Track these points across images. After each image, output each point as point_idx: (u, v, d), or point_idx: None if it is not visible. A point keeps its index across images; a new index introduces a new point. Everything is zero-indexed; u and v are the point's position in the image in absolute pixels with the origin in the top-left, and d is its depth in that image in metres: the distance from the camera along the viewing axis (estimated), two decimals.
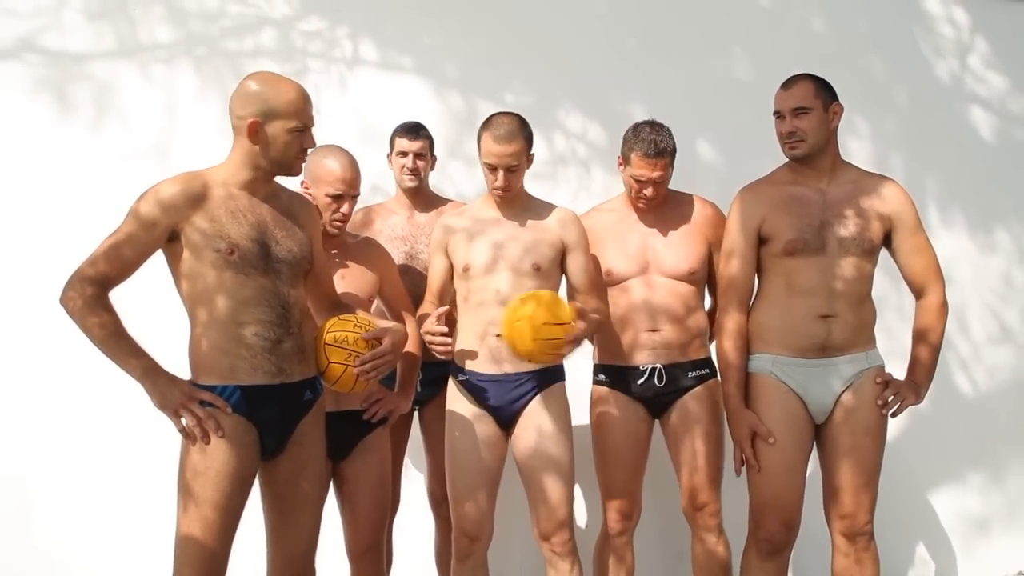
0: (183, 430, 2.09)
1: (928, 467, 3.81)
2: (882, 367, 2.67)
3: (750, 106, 3.74)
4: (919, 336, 2.69)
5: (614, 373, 2.87)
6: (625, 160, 2.85)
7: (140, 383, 2.09)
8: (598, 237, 2.86)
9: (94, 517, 3.29)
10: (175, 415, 2.08)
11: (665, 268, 2.84)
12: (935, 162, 3.94)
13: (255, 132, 2.17)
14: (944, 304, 2.68)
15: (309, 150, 2.27)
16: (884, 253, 2.74)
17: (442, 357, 2.63)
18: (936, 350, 2.69)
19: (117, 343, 2.08)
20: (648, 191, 2.81)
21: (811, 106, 2.60)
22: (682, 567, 3.08)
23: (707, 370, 2.87)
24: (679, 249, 2.85)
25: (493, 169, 2.63)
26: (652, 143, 2.77)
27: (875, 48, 3.94)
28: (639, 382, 2.83)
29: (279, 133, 2.18)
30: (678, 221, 2.89)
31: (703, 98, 3.76)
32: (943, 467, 3.85)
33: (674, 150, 2.83)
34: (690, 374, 2.84)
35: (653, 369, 2.82)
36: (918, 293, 2.70)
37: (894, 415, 2.64)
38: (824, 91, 2.64)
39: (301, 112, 2.19)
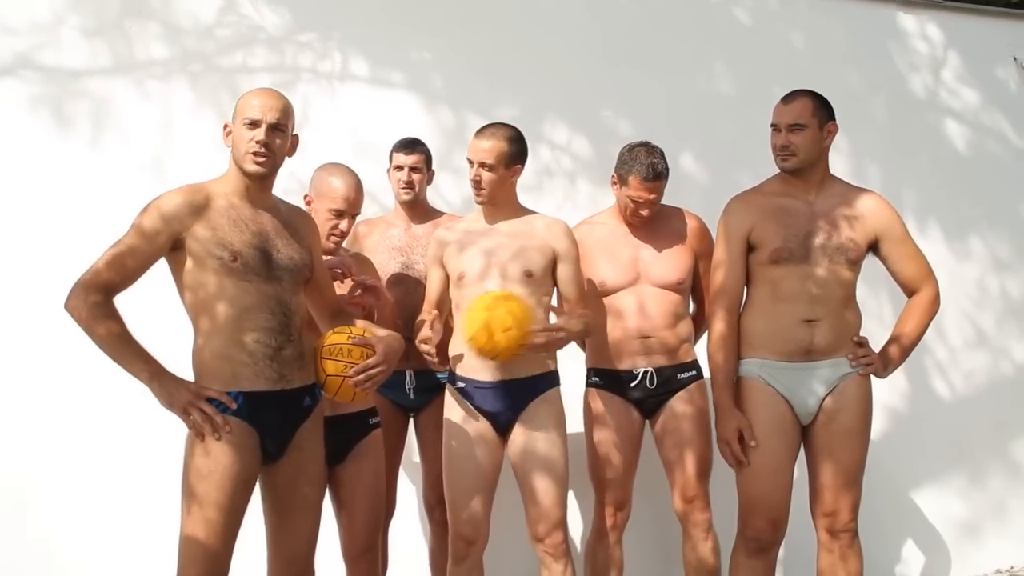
0: (192, 427, 2.15)
1: (908, 468, 3.91)
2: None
3: (732, 120, 3.87)
4: (902, 320, 2.79)
5: (608, 376, 3.00)
6: (621, 181, 2.96)
7: (148, 385, 2.15)
8: (590, 249, 2.97)
9: (94, 518, 3.29)
10: (184, 413, 2.14)
11: (655, 279, 2.98)
12: (911, 174, 4.05)
13: (227, 135, 2.29)
14: (935, 300, 2.77)
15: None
16: (866, 264, 2.82)
17: (434, 362, 2.70)
18: (915, 337, 2.77)
19: (124, 347, 2.14)
20: (644, 211, 2.95)
21: (807, 123, 2.70)
22: (671, 568, 3.15)
23: (694, 372, 3.01)
24: (668, 261, 2.99)
25: (471, 163, 2.74)
26: (651, 167, 2.90)
27: (852, 63, 4.06)
28: (632, 385, 2.95)
29: (236, 129, 2.27)
30: (667, 234, 3.03)
31: (686, 112, 3.86)
32: (923, 468, 3.94)
33: (668, 171, 2.96)
34: (679, 376, 2.98)
35: (645, 372, 2.94)
36: (911, 294, 2.80)
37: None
38: (822, 110, 2.74)
39: (253, 107, 2.25)
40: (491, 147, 2.71)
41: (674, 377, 2.97)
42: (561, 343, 2.70)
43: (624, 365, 2.97)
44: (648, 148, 2.94)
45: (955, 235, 4.08)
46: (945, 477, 3.96)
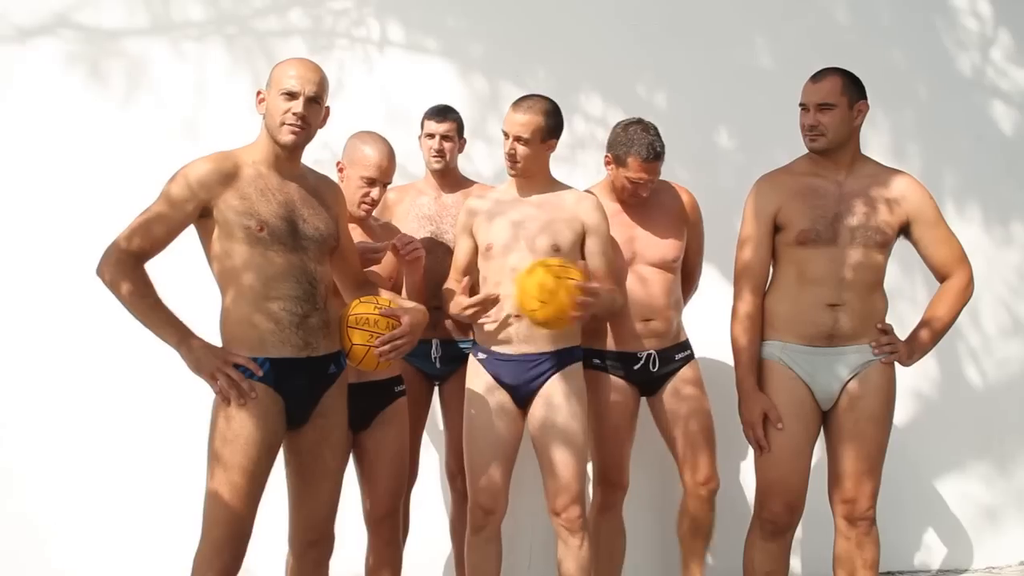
0: (219, 391, 2.18)
1: (933, 455, 3.86)
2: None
3: (770, 96, 3.77)
4: (932, 305, 2.74)
5: (609, 358, 2.99)
6: (618, 162, 2.91)
7: (176, 349, 2.19)
8: None
9: (99, 504, 3.40)
10: (211, 378, 2.18)
11: (651, 258, 2.96)
12: (952, 155, 3.95)
13: (260, 103, 2.30)
14: (968, 286, 2.71)
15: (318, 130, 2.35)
16: (900, 245, 2.77)
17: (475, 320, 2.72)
18: (945, 324, 2.71)
19: (153, 311, 2.18)
20: (644, 192, 2.92)
21: (836, 102, 2.63)
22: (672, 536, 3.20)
23: (688, 351, 3.05)
24: (663, 239, 2.97)
25: (506, 136, 2.72)
26: (650, 147, 2.85)
27: (897, 39, 3.95)
28: (635, 367, 2.97)
29: (271, 99, 2.27)
30: (660, 211, 3.00)
31: (724, 87, 3.79)
32: (948, 456, 3.89)
33: (664, 148, 2.91)
34: (676, 357, 3.01)
35: (648, 355, 2.95)
36: (943, 279, 2.73)
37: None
38: (852, 88, 2.66)
39: (291, 79, 2.25)
40: (528, 121, 2.68)
41: (672, 358, 3.00)
42: (592, 308, 2.61)
43: (627, 347, 2.96)
44: (643, 126, 2.89)
45: (995, 219, 3.98)
46: (971, 465, 3.91)
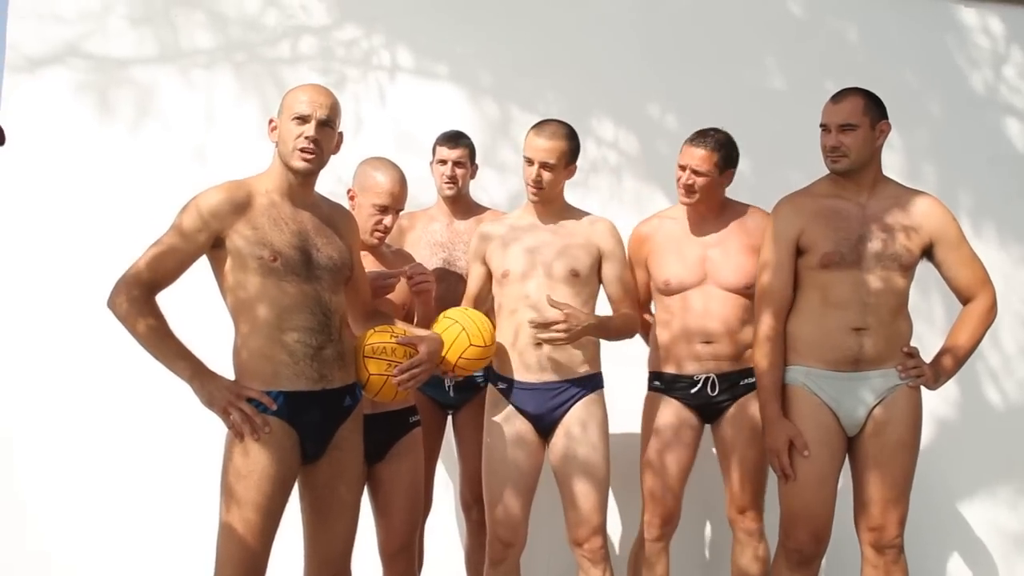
0: (232, 427, 2.14)
1: (955, 478, 3.80)
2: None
3: (782, 117, 3.77)
4: (956, 329, 2.69)
5: (669, 380, 2.90)
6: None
7: (188, 383, 2.14)
8: (658, 245, 2.90)
9: (119, 521, 3.36)
10: (223, 412, 2.13)
11: (722, 280, 2.86)
12: (967, 174, 3.92)
13: (272, 131, 2.27)
14: (991, 309, 2.67)
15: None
16: (919, 266, 2.73)
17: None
18: (969, 348, 2.67)
19: (165, 344, 2.14)
20: (691, 183, 2.81)
21: (858, 123, 2.60)
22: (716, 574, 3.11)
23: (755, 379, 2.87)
24: (737, 262, 2.86)
25: (530, 163, 2.67)
26: (699, 132, 2.85)
27: (909, 58, 3.93)
28: (693, 391, 2.86)
29: (283, 125, 2.25)
30: (737, 233, 2.90)
31: (735, 107, 3.75)
32: (971, 479, 3.83)
33: (724, 147, 2.84)
34: (742, 382, 2.85)
35: (707, 379, 2.84)
36: (966, 302, 2.69)
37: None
38: (874, 108, 2.63)
39: (302, 103, 2.22)
40: (553, 147, 2.65)
41: (737, 383, 2.84)
42: (567, 338, 2.55)
43: (686, 370, 2.86)
44: (715, 129, 2.87)
45: (1012, 238, 3.94)
46: (994, 488, 3.85)
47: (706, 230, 2.90)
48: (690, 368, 2.85)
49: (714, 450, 3.00)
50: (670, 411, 2.87)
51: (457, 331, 2.50)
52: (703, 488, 3.19)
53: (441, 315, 2.59)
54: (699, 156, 2.81)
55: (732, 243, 2.89)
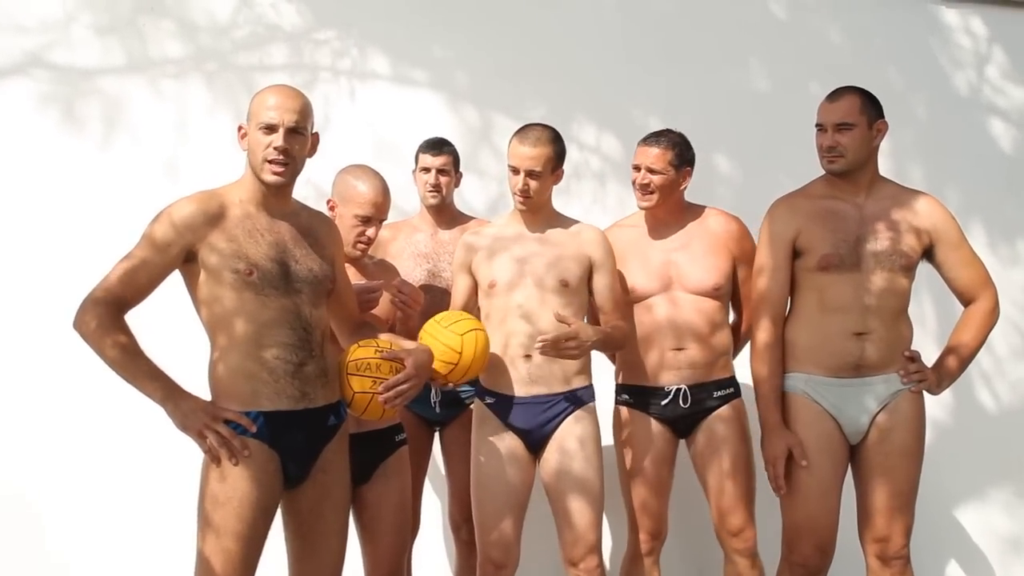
0: (208, 451, 2.02)
1: (949, 482, 3.74)
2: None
3: (767, 118, 3.74)
4: (958, 331, 2.64)
5: (638, 394, 2.80)
6: None
7: (161, 405, 2.03)
8: (619, 254, 2.79)
9: (107, 536, 3.24)
10: (199, 436, 2.01)
11: (689, 284, 2.77)
12: (953, 174, 3.89)
13: (242, 138, 2.15)
14: (994, 310, 2.62)
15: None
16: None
17: None
18: (973, 350, 2.63)
19: (135, 364, 2.02)
20: (646, 182, 2.74)
21: (855, 122, 2.54)
22: None
23: (731, 389, 2.79)
24: (703, 264, 2.78)
25: (515, 172, 2.59)
26: (653, 132, 2.79)
27: (892, 59, 3.91)
28: (663, 403, 2.75)
29: (251, 133, 2.13)
30: (701, 235, 2.82)
31: (719, 110, 3.72)
32: (965, 482, 3.79)
33: (678, 146, 2.78)
34: (715, 394, 2.76)
35: (678, 390, 2.74)
36: (967, 303, 2.64)
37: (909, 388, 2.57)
38: (870, 107, 2.58)
39: (268, 109, 2.10)
40: (538, 154, 2.56)
41: (710, 395, 2.75)
42: (575, 353, 2.48)
43: (655, 381, 2.76)
44: (669, 129, 2.83)
45: (1000, 239, 3.91)
46: (988, 491, 3.81)
47: (667, 234, 2.83)
48: (661, 379, 2.76)
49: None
50: (642, 426, 2.77)
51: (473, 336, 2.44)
52: (688, 498, 3.09)
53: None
54: (653, 155, 2.74)
55: (696, 245, 2.80)
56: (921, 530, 3.46)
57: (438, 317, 2.52)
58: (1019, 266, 3.92)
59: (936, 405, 3.70)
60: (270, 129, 2.10)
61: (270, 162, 2.10)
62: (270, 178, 2.11)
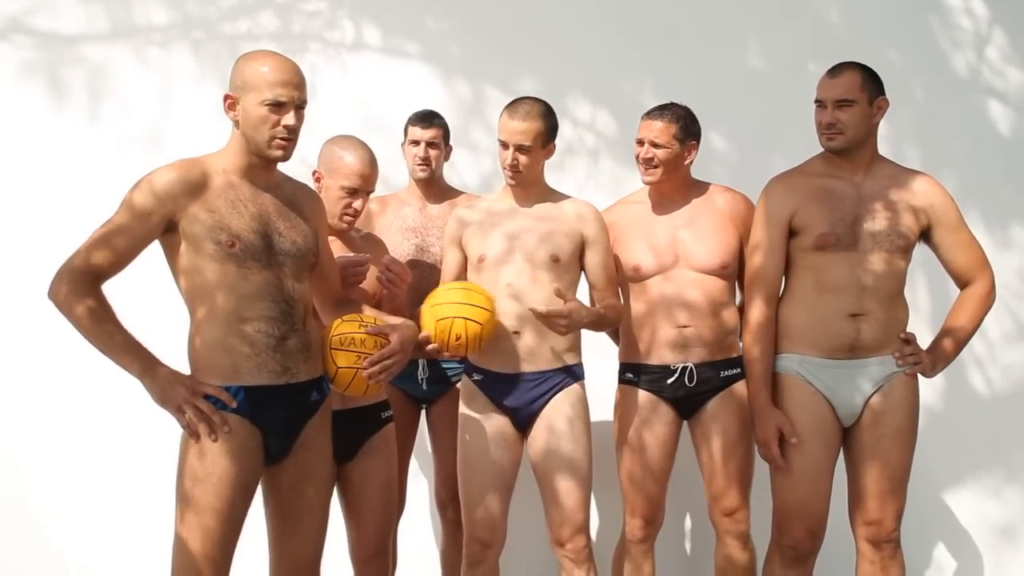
0: (187, 426, 1.98)
1: (940, 467, 3.72)
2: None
3: (764, 97, 3.69)
4: (955, 313, 2.62)
5: (643, 372, 2.75)
6: None
7: (139, 379, 1.98)
8: (624, 231, 2.75)
9: (92, 515, 3.23)
10: (178, 411, 1.97)
11: (695, 262, 2.71)
12: (951, 156, 3.85)
13: (231, 107, 2.07)
14: (990, 293, 2.60)
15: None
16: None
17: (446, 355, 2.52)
18: (969, 333, 2.60)
19: (111, 337, 1.96)
20: (649, 156, 2.69)
21: (856, 98, 2.49)
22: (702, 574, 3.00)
23: (738, 369, 2.72)
24: (710, 242, 2.73)
25: (504, 146, 2.54)
26: (657, 106, 2.75)
27: (891, 40, 3.85)
28: (669, 382, 2.70)
29: (250, 107, 2.05)
30: (708, 213, 2.77)
31: (716, 89, 3.66)
32: (956, 468, 3.77)
33: (683, 119, 2.73)
34: (722, 373, 2.71)
35: (684, 368, 2.69)
36: (963, 286, 2.62)
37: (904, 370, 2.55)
38: (871, 83, 2.54)
39: (273, 84, 2.03)
40: (528, 128, 2.51)
41: (717, 374, 2.69)
42: (564, 330, 2.46)
43: (661, 360, 2.71)
44: (674, 102, 2.78)
45: (996, 222, 3.87)
46: (979, 477, 3.78)
47: (673, 210, 2.77)
48: (667, 357, 2.71)
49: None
50: (645, 406, 2.73)
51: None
52: (685, 483, 3.06)
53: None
54: (657, 128, 2.68)
55: (703, 222, 2.75)
56: (911, 514, 3.46)
57: (466, 284, 2.51)
58: (1013, 250, 3.88)
59: (928, 389, 3.64)
60: (279, 107, 2.04)
61: (280, 139, 2.05)
62: (278, 154, 2.07)
